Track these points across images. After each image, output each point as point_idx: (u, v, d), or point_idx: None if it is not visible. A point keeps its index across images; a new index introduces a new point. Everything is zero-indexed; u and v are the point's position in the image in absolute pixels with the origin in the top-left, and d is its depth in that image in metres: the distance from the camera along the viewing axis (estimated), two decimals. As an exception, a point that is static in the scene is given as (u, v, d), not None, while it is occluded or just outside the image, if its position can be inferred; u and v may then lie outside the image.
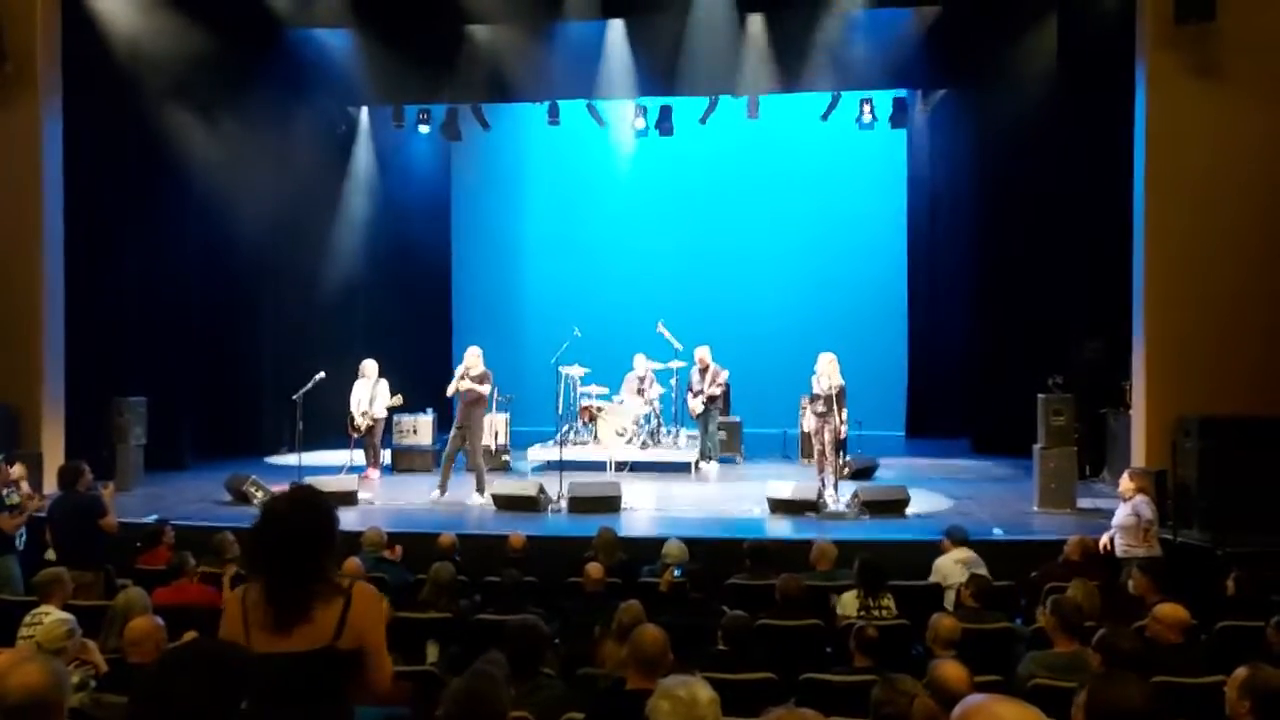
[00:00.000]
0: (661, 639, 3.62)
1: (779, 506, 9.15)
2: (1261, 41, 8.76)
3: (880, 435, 12.91)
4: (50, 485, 8.76)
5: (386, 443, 11.54)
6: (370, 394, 10.98)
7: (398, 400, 11.01)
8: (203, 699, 2.31)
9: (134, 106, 10.98)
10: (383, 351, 11.52)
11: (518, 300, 15.54)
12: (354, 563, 6.10)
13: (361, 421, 10.93)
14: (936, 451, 12.68)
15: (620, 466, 11.33)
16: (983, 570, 6.34)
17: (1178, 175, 8.96)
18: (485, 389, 9.96)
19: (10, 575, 6.81)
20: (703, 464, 11.60)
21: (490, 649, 4.09)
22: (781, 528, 8.64)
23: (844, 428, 9.80)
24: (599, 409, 11.73)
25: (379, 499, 9.92)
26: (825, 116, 13.46)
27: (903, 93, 13.47)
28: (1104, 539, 7.21)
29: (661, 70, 11.92)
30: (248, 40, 11.57)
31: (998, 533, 8.22)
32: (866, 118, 13.36)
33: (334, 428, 11.29)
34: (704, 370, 11.71)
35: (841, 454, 10.24)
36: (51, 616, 4.63)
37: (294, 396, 10.16)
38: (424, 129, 13.97)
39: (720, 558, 7.03)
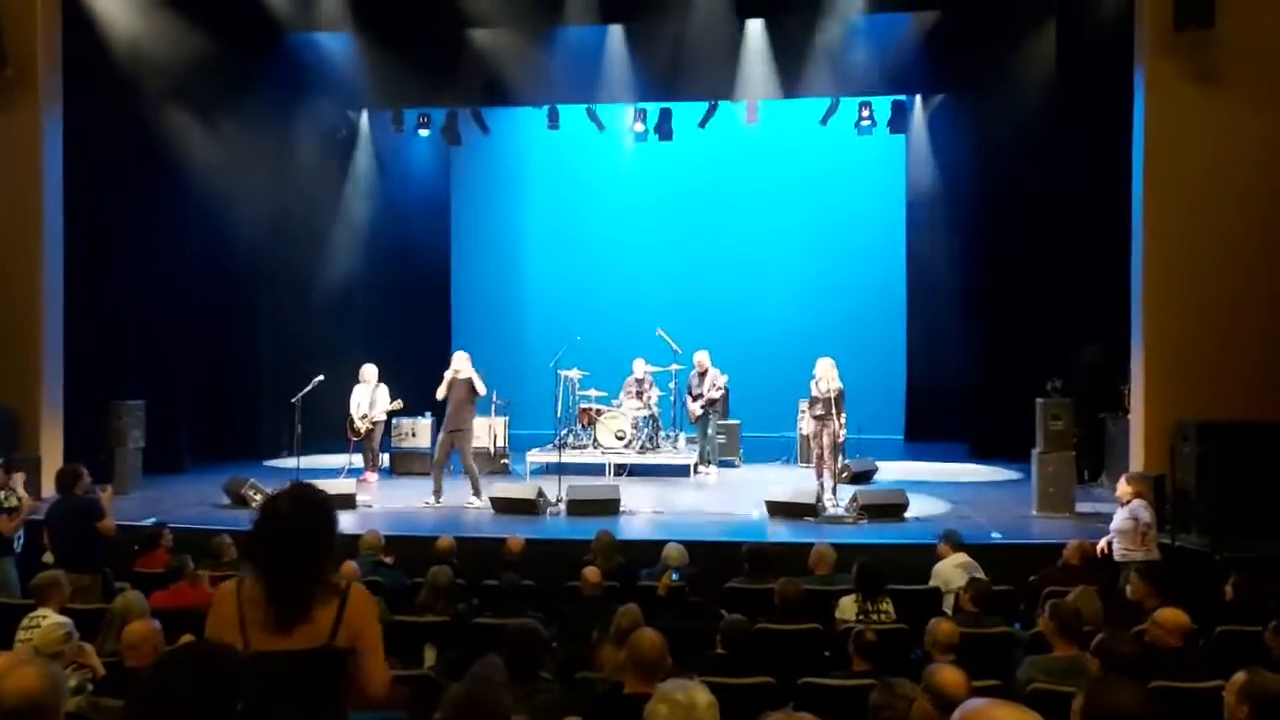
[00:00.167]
0: (659, 643, 3.62)
1: (778, 510, 9.15)
2: (1260, 48, 8.77)
3: (879, 439, 12.90)
4: (48, 488, 8.75)
5: (385, 446, 11.54)
6: (370, 398, 10.98)
7: (398, 405, 11.01)
8: (199, 702, 2.31)
9: (134, 109, 10.99)
10: (381, 355, 11.53)
11: (517, 304, 15.54)
12: (351, 566, 6.09)
13: (361, 425, 10.93)
14: (935, 455, 12.68)
15: (619, 470, 11.33)
16: (982, 574, 6.33)
17: (1176, 180, 8.97)
18: (482, 388, 9.93)
19: (7, 578, 6.81)
20: (701, 468, 11.60)
21: (488, 653, 4.08)
22: (780, 531, 8.64)
23: (843, 431, 9.80)
24: (598, 412, 11.73)
25: (377, 502, 9.91)
26: (824, 121, 13.47)
27: (902, 97, 13.49)
28: (1102, 543, 7.21)
29: (661, 75, 11.95)
30: (248, 43, 11.59)
31: (996, 537, 8.22)
32: (865, 122, 13.37)
33: (332, 431, 11.29)
34: (703, 374, 11.72)
35: (840, 458, 10.25)
36: (49, 620, 4.62)
37: (293, 400, 10.16)
38: (424, 133, 13.98)
39: (719, 561, 7.03)
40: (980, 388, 12.83)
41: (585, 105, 13.39)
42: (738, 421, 12.43)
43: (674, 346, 12.24)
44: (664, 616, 5.04)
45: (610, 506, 9.24)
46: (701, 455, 11.69)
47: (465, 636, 5.47)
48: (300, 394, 10.17)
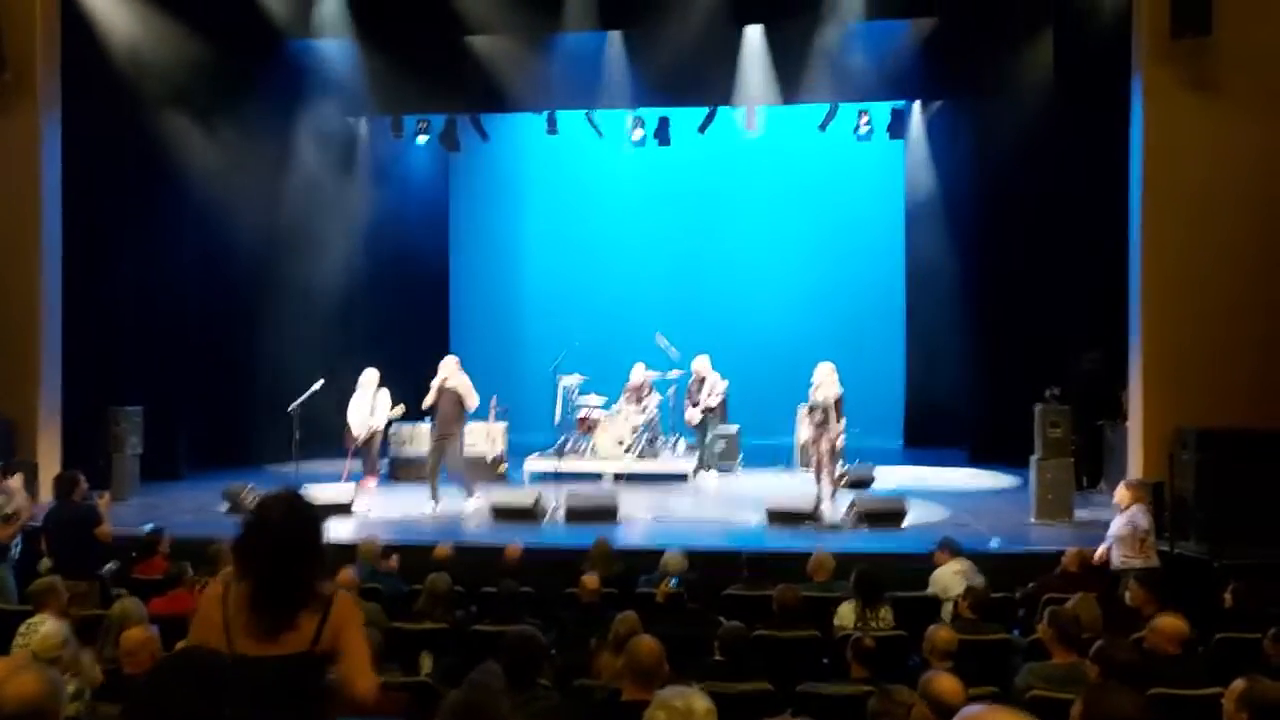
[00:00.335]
0: (657, 650, 3.62)
1: (776, 517, 9.14)
2: (1258, 56, 8.79)
3: (878, 445, 12.91)
4: (46, 495, 8.73)
5: (384, 452, 11.53)
6: (371, 404, 10.96)
7: (399, 410, 10.99)
8: (195, 708, 2.31)
9: (133, 114, 11.00)
10: (380, 361, 11.50)
11: (516, 310, 15.54)
12: (349, 573, 6.07)
13: (360, 432, 10.91)
14: (934, 462, 12.67)
15: (618, 476, 11.31)
16: (980, 581, 6.33)
17: (1175, 188, 8.98)
18: (472, 400, 9.88)
19: (5, 585, 6.79)
20: (700, 474, 11.60)
21: (486, 660, 4.08)
22: (779, 538, 8.63)
23: (841, 437, 9.79)
24: (597, 419, 11.72)
25: (376, 509, 9.90)
26: (823, 127, 13.49)
27: (900, 103, 13.52)
28: (1100, 550, 7.20)
29: (660, 81, 11.96)
30: (247, 49, 11.61)
31: (995, 544, 8.22)
32: (864, 128, 13.40)
33: (331, 437, 11.27)
34: (702, 380, 11.71)
35: (839, 464, 10.24)
36: (46, 626, 4.60)
37: (291, 406, 10.15)
38: (423, 139, 13.99)
39: (717, 568, 7.02)
40: (979, 394, 12.83)
41: (584, 111, 13.41)
42: (736, 427, 12.42)
43: (673, 353, 12.24)
44: (662, 623, 5.04)
45: (609, 513, 9.23)
46: (700, 461, 11.68)
47: (463, 644, 5.46)
48: (299, 400, 10.16)
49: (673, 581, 6.18)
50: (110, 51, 10.69)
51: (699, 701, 2.74)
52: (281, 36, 11.57)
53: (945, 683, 3.53)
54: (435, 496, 9.79)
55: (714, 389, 11.65)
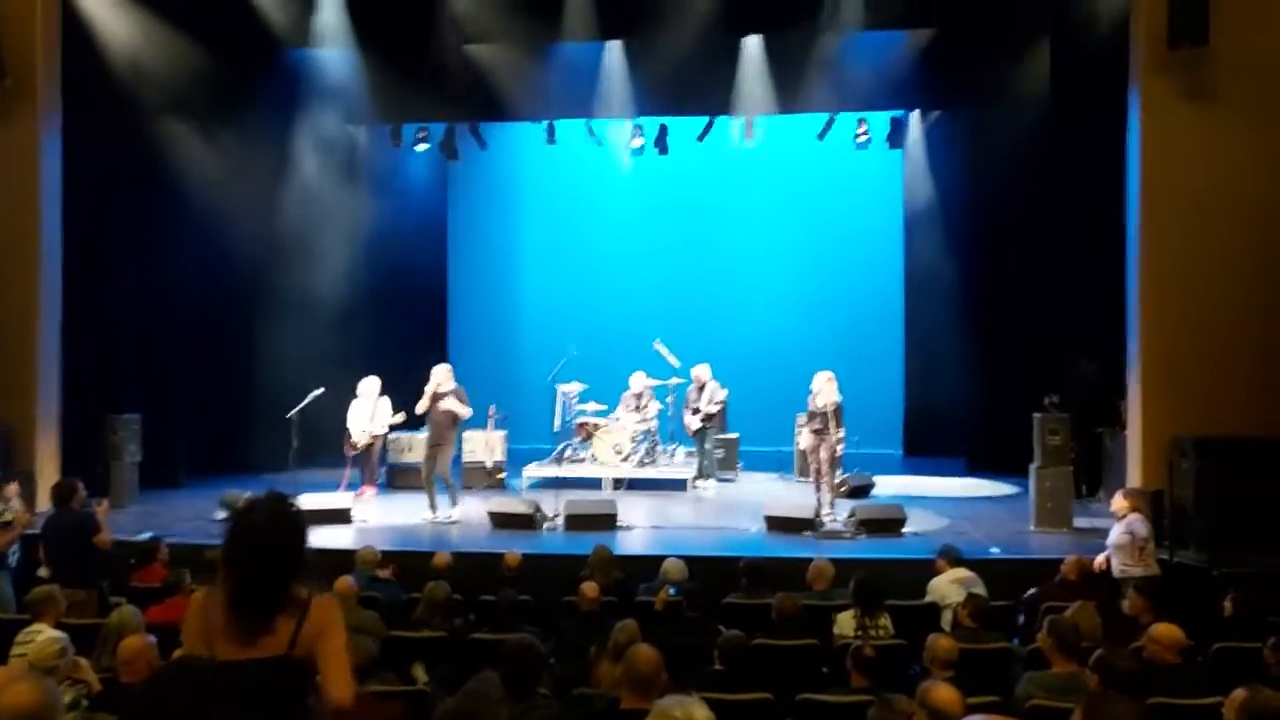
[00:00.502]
0: (655, 658, 3.61)
1: (776, 525, 9.14)
2: (1254, 65, 8.82)
3: (877, 453, 12.90)
4: (44, 503, 8.72)
5: (382, 460, 11.52)
6: (371, 412, 10.96)
7: (399, 418, 10.98)
8: (192, 717, 2.30)
9: (132, 122, 11.00)
10: (378, 368, 11.51)
11: (514, 318, 15.54)
12: (347, 581, 6.06)
13: (359, 439, 10.91)
14: (933, 470, 12.67)
15: (617, 484, 11.31)
16: (980, 590, 6.32)
17: (1172, 197, 9.01)
18: (465, 412, 9.85)
19: (3, 593, 6.77)
20: (700, 482, 11.59)
21: (484, 669, 4.07)
22: (778, 546, 8.62)
23: (841, 446, 9.79)
24: (596, 426, 11.72)
25: (374, 517, 9.88)
26: (821, 136, 13.52)
27: (898, 113, 13.54)
28: (1100, 558, 7.20)
29: (659, 90, 11.99)
30: (246, 58, 11.63)
31: (995, 552, 8.21)
32: (862, 137, 13.41)
33: (330, 445, 11.26)
34: (702, 388, 11.72)
35: (838, 472, 10.24)
36: (44, 635, 4.60)
37: (290, 414, 10.14)
38: (422, 147, 14.01)
39: (717, 576, 7.01)
40: (978, 402, 12.83)
41: (583, 120, 13.44)
42: (736, 435, 12.42)
43: (672, 360, 12.24)
44: (661, 632, 5.03)
45: (608, 521, 9.22)
46: (700, 469, 11.68)
47: (462, 652, 5.45)
48: (298, 408, 10.15)
49: (671, 590, 6.17)
50: (110, 60, 10.71)
51: (698, 711, 2.73)
52: (281, 45, 11.59)
53: (943, 692, 3.53)
54: (433, 505, 9.78)
55: (713, 397, 11.66)
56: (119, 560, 7.27)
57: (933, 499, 10.72)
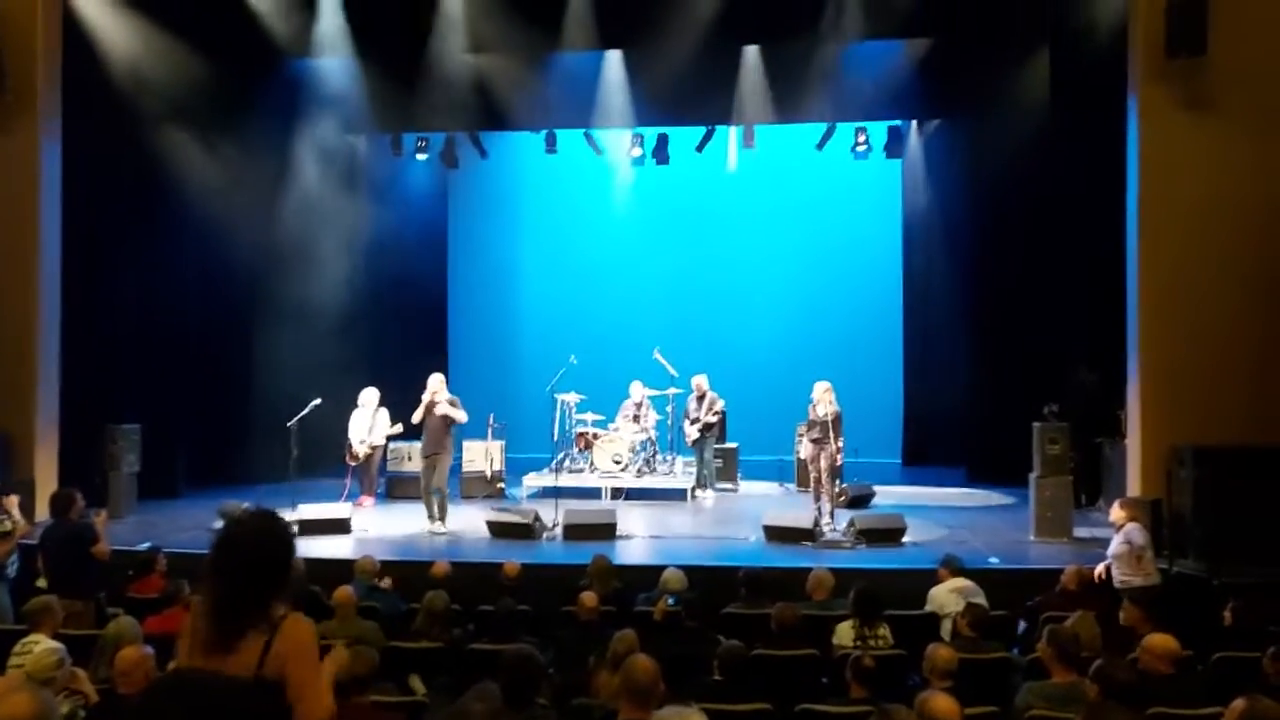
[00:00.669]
0: (653, 669, 3.60)
1: (775, 534, 9.13)
2: (1251, 74, 8.85)
3: (876, 463, 12.90)
4: (43, 513, 8.71)
5: (382, 471, 11.51)
6: (370, 422, 10.96)
7: (397, 429, 10.98)
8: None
9: (132, 131, 11.03)
10: (378, 378, 11.52)
11: (514, 327, 15.56)
12: (346, 591, 6.05)
13: (360, 450, 10.90)
14: (932, 480, 12.67)
15: (616, 494, 11.30)
16: (980, 599, 6.31)
17: (1170, 206, 9.03)
18: (461, 416, 9.82)
19: (1, 604, 6.76)
20: (699, 491, 11.58)
21: (483, 679, 4.06)
22: (777, 556, 8.60)
23: (840, 455, 9.78)
24: (595, 436, 11.71)
25: (373, 527, 9.87)
26: (821, 146, 13.55)
27: (897, 122, 13.58)
28: (1099, 568, 7.19)
29: (658, 100, 12.02)
30: (247, 67, 11.67)
31: (994, 562, 8.20)
32: (861, 147, 13.46)
33: (329, 455, 11.26)
34: (701, 397, 11.73)
35: (838, 482, 10.23)
36: (41, 645, 4.59)
37: (289, 423, 10.14)
38: (422, 156, 14.04)
39: (716, 586, 6.99)
40: (977, 412, 12.83)
41: (583, 130, 13.48)
42: (735, 445, 12.42)
43: (671, 370, 12.25)
44: (660, 642, 5.02)
45: (607, 531, 9.21)
46: (699, 479, 11.67)
47: (461, 662, 5.43)
48: (296, 418, 10.14)
49: (670, 600, 6.15)
50: (111, 68, 10.74)
51: (697, 721, 2.73)
52: (281, 54, 11.63)
53: (941, 702, 3.52)
54: (432, 515, 9.75)
55: (712, 406, 11.66)
56: (117, 571, 7.25)
57: (932, 508, 10.71)
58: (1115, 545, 7.15)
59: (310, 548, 8.52)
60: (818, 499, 9.82)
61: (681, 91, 11.69)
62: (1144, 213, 9.15)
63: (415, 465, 11.53)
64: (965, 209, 13.25)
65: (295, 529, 8.83)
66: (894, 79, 11.83)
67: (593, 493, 11.30)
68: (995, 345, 12.52)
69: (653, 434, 11.94)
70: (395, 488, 11.60)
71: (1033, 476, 9.30)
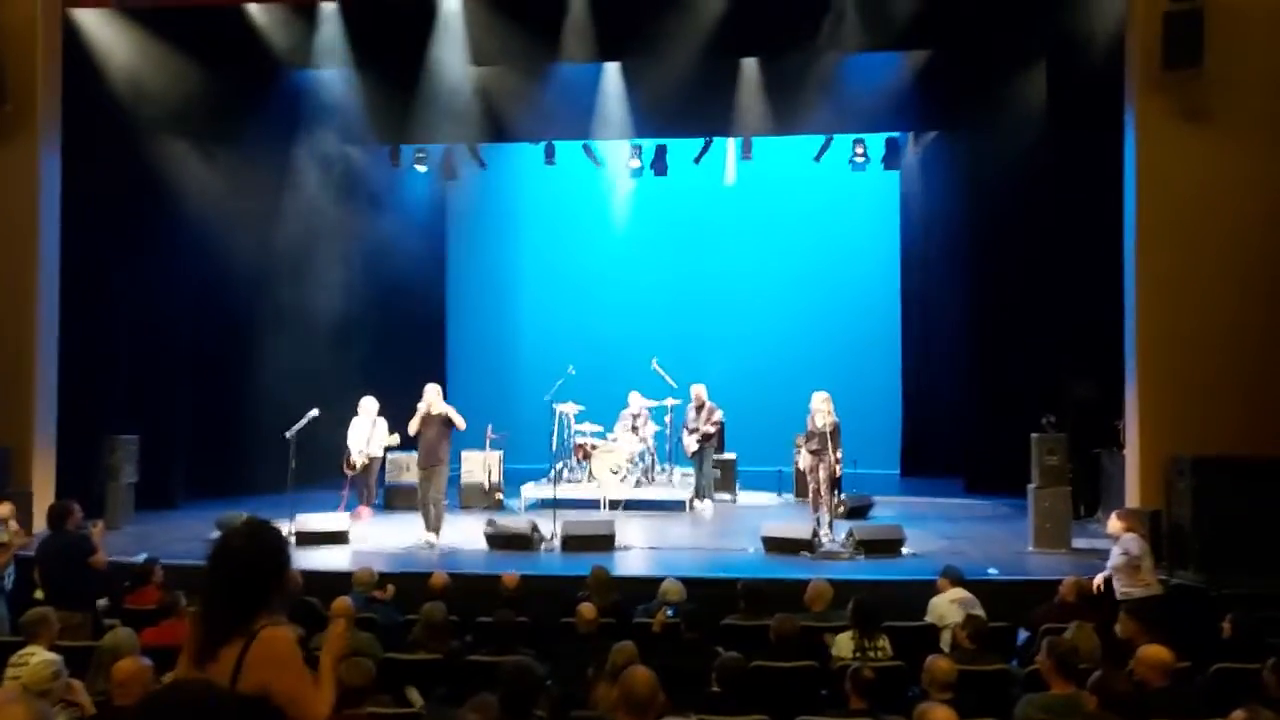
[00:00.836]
0: (651, 680, 3.59)
1: (774, 545, 9.11)
2: (1248, 86, 8.88)
3: (875, 474, 12.89)
4: (40, 524, 8.69)
5: (380, 481, 11.49)
6: (369, 432, 10.93)
7: (395, 439, 10.96)
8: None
9: (131, 143, 11.05)
10: (376, 388, 11.50)
11: (513, 338, 15.56)
12: (344, 602, 6.04)
13: (358, 459, 10.88)
14: (931, 490, 12.66)
15: (614, 505, 11.28)
16: (979, 611, 6.30)
17: (1167, 216, 9.05)
18: (459, 422, 9.73)
19: (-2, 615, 6.75)
20: (697, 502, 11.57)
21: (482, 691, 4.05)
22: (776, 567, 8.59)
23: (839, 466, 9.78)
24: (593, 446, 11.70)
25: (371, 537, 9.85)
26: (818, 157, 13.58)
27: (895, 134, 13.61)
28: (1098, 579, 7.17)
29: (657, 111, 12.06)
30: (246, 78, 11.69)
31: (993, 573, 8.19)
32: (859, 159, 13.49)
33: (328, 465, 11.24)
34: (700, 408, 11.73)
35: (836, 493, 10.22)
36: (38, 657, 4.57)
37: (287, 434, 10.13)
38: (421, 168, 14.07)
39: (714, 597, 6.97)
40: (975, 423, 12.83)
41: (582, 141, 13.51)
42: (733, 456, 12.40)
43: (669, 381, 12.25)
44: (659, 654, 5.01)
45: (605, 542, 9.19)
46: (697, 490, 11.66)
47: (459, 674, 5.41)
48: (295, 428, 10.13)
49: (669, 611, 6.14)
50: (110, 80, 10.77)
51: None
52: (280, 65, 11.64)
53: (941, 714, 3.52)
54: (429, 526, 9.72)
55: (711, 417, 11.66)
56: (114, 582, 7.24)
57: (931, 519, 10.70)
58: (1113, 557, 7.14)
59: (308, 559, 8.50)
60: (816, 510, 9.81)
61: (680, 103, 11.73)
62: (1141, 223, 9.17)
63: (414, 476, 11.50)
64: (963, 220, 13.27)
65: (291, 539, 8.80)
66: (892, 91, 11.87)
67: (591, 504, 11.28)
68: (993, 356, 12.52)
69: (651, 445, 11.93)
70: (394, 498, 11.57)
71: (1031, 487, 9.29)
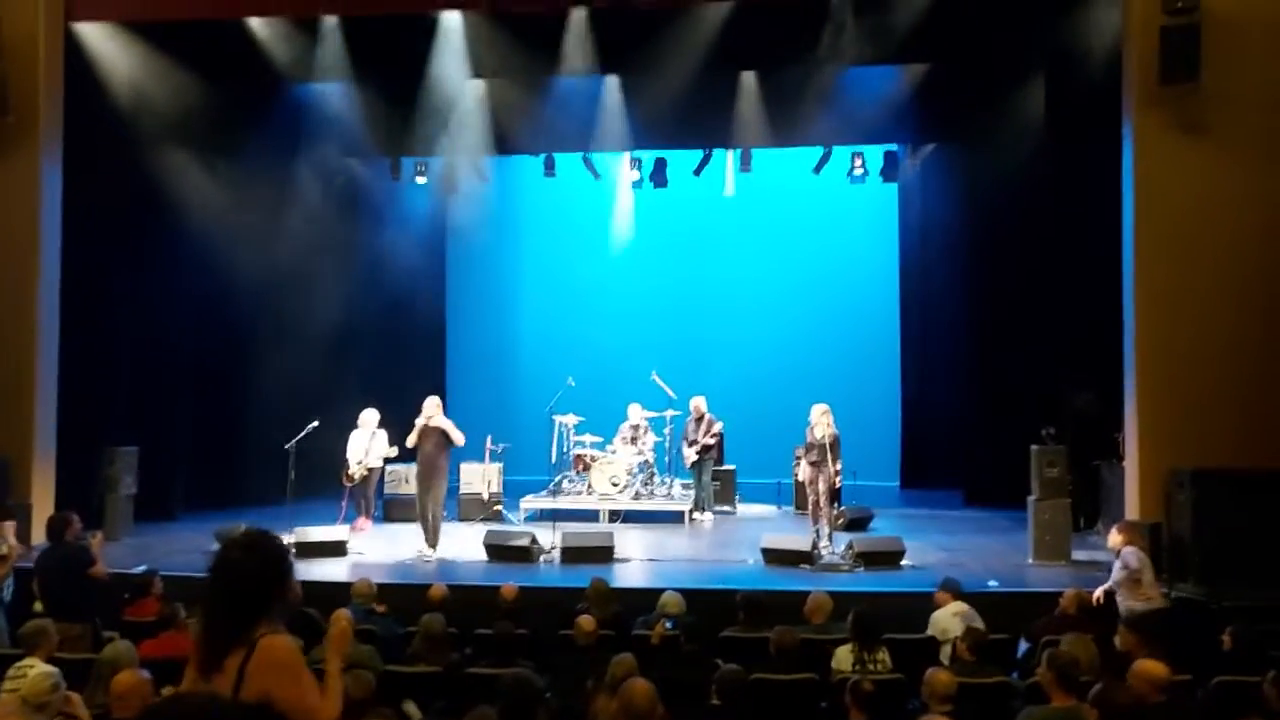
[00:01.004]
0: (651, 693, 3.59)
1: (773, 557, 9.10)
2: (1245, 100, 8.92)
3: (874, 486, 12.89)
4: (39, 535, 8.68)
5: (379, 493, 11.48)
6: (367, 444, 10.94)
7: (393, 451, 10.96)
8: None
9: (132, 155, 11.08)
10: (376, 400, 11.52)
11: (513, 350, 15.58)
12: (343, 614, 6.02)
13: (356, 471, 10.88)
14: (931, 502, 12.65)
15: (614, 516, 11.28)
16: (979, 623, 6.29)
17: (1165, 229, 9.07)
18: (459, 436, 9.72)
19: (-3, 627, 6.73)
20: (696, 514, 11.56)
21: (481, 703, 4.04)
22: (776, 579, 8.58)
23: (838, 478, 9.78)
24: (593, 458, 11.70)
25: (369, 549, 9.84)
26: (817, 170, 13.62)
27: (894, 147, 13.65)
28: (1098, 592, 7.16)
29: (657, 124, 12.10)
30: (248, 92, 11.74)
31: (993, 585, 8.18)
32: (858, 171, 13.53)
33: (327, 477, 11.24)
34: (699, 419, 11.73)
35: (836, 504, 10.21)
36: (36, 669, 4.56)
37: (286, 446, 10.13)
38: (421, 180, 14.10)
39: (714, 609, 6.97)
40: (975, 435, 12.83)
41: (581, 153, 13.55)
42: (733, 467, 12.41)
43: (669, 392, 12.26)
44: (658, 666, 5.00)
45: (605, 553, 9.18)
46: (696, 501, 11.65)
47: (458, 686, 5.40)
48: (294, 440, 10.13)
49: (668, 623, 6.13)
50: (112, 93, 10.80)
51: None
52: (282, 79, 11.68)
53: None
54: (428, 539, 9.71)
55: (710, 429, 11.66)
56: (114, 593, 7.22)
57: (931, 531, 10.69)
58: (1115, 572, 7.13)
59: (306, 570, 8.49)
60: (816, 522, 9.80)
61: (679, 116, 11.77)
62: (1139, 236, 9.19)
63: (413, 488, 11.50)
64: (961, 233, 13.31)
65: (292, 550, 8.79)
66: (890, 103, 11.91)
67: (590, 515, 11.27)
68: (993, 368, 12.53)
69: (650, 456, 11.93)
70: (393, 510, 11.57)
71: (1031, 499, 9.28)
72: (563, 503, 11.25)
